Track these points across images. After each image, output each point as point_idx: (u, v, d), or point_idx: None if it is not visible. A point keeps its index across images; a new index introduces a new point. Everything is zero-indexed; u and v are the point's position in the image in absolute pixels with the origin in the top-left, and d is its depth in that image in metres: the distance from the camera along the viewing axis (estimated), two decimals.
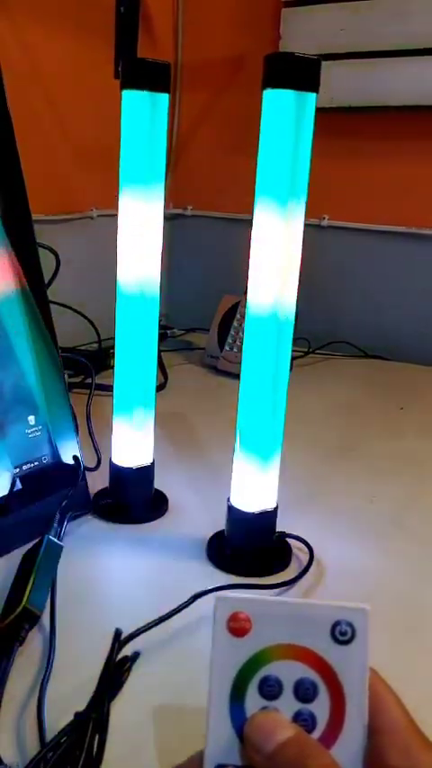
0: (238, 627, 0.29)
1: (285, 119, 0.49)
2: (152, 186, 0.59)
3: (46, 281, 0.66)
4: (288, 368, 0.56)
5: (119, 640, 0.36)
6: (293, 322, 0.55)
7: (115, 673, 0.35)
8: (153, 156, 0.58)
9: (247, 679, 0.29)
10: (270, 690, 0.28)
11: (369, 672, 0.28)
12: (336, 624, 0.28)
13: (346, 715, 0.28)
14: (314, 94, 0.49)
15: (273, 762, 0.27)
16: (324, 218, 1.29)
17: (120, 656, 0.36)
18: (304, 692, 0.28)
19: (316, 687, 0.28)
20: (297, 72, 0.48)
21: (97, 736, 0.35)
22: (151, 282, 0.63)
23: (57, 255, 0.76)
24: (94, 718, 0.35)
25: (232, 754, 0.28)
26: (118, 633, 0.35)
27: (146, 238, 0.61)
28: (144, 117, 0.57)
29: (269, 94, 0.49)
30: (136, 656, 0.35)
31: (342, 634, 0.28)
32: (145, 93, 0.56)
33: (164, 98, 0.57)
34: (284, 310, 0.54)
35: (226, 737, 0.28)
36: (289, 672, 0.29)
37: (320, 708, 0.28)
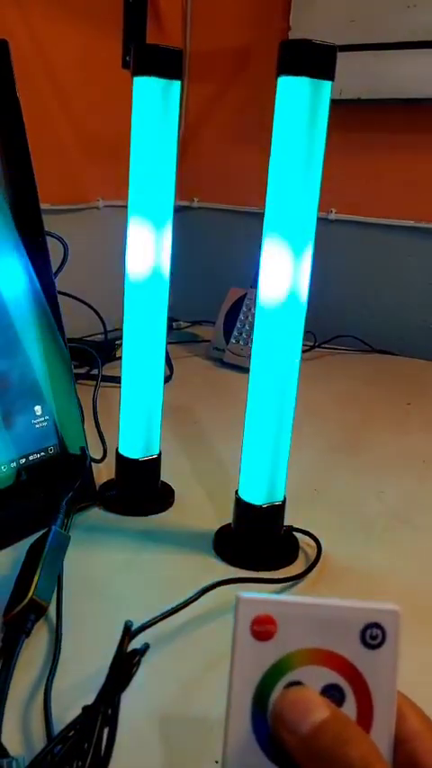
0: (262, 631, 0.27)
1: (300, 108, 0.48)
2: (164, 176, 0.59)
3: (54, 271, 0.65)
4: (299, 358, 0.55)
5: (129, 633, 0.35)
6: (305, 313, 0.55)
7: (125, 665, 0.35)
8: (165, 145, 0.57)
9: (272, 686, 0.27)
10: None
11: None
12: (366, 627, 0.27)
13: (373, 723, 0.27)
14: (329, 83, 0.48)
15: (308, 745, 0.25)
16: (331, 212, 1.28)
17: (129, 649, 0.35)
18: (330, 699, 0.27)
19: (343, 694, 0.27)
20: (313, 59, 0.47)
21: (106, 730, 0.34)
22: (161, 271, 0.62)
23: (65, 245, 0.75)
24: (102, 712, 0.35)
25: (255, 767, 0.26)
26: (128, 626, 0.35)
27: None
28: (156, 104, 0.56)
29: (283, 82, 0.48)
30: (146, 648, 0.35)
31: (373, 638, 0.27)
32: (157, 79, 0.55)
33: (176, 85, 0.56)
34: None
35: (247, 749, 0.26)
36: (315, 678, 0.27)
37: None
